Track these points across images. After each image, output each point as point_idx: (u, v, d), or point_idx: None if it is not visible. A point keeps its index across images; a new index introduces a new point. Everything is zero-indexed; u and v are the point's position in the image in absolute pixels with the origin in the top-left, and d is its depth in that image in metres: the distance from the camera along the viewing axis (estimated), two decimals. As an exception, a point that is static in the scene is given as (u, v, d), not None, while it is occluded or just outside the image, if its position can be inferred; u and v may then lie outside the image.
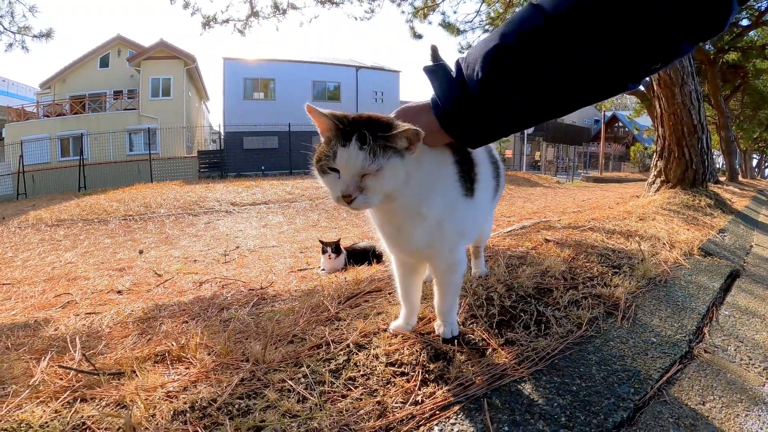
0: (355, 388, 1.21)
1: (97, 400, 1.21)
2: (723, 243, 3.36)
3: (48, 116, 26.64)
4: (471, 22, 11.95)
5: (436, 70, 1.19)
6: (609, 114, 35.65)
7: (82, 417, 1.13)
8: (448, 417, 1.08)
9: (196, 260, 6.08)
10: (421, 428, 1.05)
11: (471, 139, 1.21)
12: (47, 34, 8.31)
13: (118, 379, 1.35)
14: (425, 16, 11.86)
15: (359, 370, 1.30)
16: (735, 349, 1.62)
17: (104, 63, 28.07)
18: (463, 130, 1.17)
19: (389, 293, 1.90)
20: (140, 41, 28.66)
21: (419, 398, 1.15)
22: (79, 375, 1.39)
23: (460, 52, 12.24)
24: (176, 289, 3.77)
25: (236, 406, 1.15)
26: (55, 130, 25.65)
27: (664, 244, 2.80)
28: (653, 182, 5.64)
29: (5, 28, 7.69)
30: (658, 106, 5.38)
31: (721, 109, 12.82)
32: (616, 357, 1.39)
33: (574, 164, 29.39)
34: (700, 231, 3.49)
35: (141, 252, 7.25)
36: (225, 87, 26.73)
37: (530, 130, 26.33)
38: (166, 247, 7.85)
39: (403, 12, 11.90)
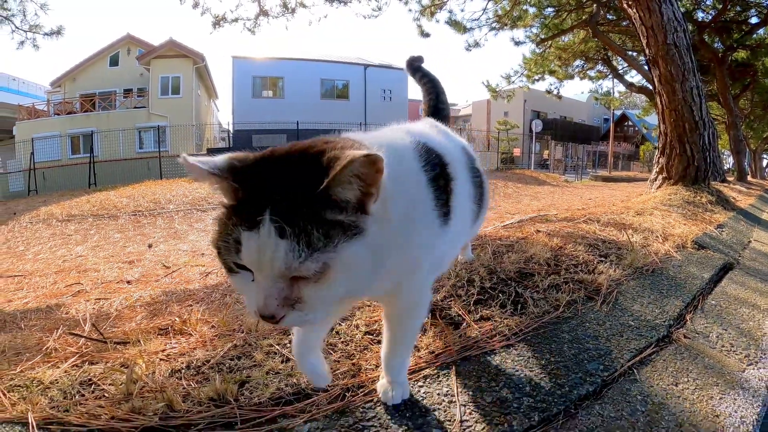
0: (335, 352, 1.31)
1: (103, 363, 1.33)
2: (719, 237, 3.37)
3: (58, 114, 26.89)
4: (478, 19, 12.00)
5: None
6: (618, 113, 35.41)
7: (89, 375, 1.25)
8: (417, 380, 1.16)
9: (203, 254, 6.16)
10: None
11: None
12: (57, 32, 8.46)
13: (124, 346, 1.46)
14: (432, 14, 11.92)
15: (340, 338, 1.40)
16: (717, 336, 1.65)
17: (114, 62, 28.28)
18: None
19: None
20: (150, 40, 28.93)
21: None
22: (88, 342, 1.51)
23: (467, 50, 12.28)
24: (183, 279, 3.84)
25: (227, 365, 1.27)
26: (65, 128, 25.91)
27: (657, 236, 2.83)
28: (655, 179, 5.65)
29: (17, 27, 7.82)
30: (659, 103, 5.39)
31: (730, 108, 12.71)
32: (589, 337, 1.44)
33: (583, 163, 29.24)
34: (697, 226, 3.50)
35: (150, 246, 7.35)
36: (234, 85, 26.92)
37: (538, 128, 26.21)
38: (174, 242, 7.94)
39: (410, 10, 11.99)
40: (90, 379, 1.24)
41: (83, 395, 1.18)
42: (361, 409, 1.05)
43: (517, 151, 29.77)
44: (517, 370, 1.21)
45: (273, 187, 0.70)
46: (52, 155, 24.37)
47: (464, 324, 1.43)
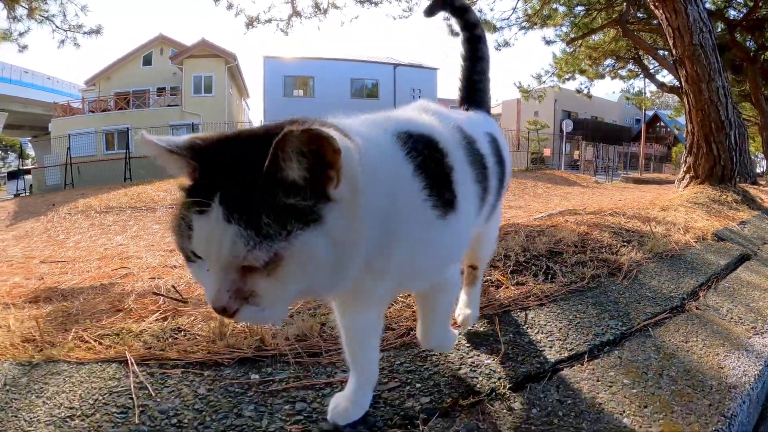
0: (396, 303, 1.58)
1: (187, 316, 1.55)
2: (740, 232, 3.52)
3: (93, 112, 27.93)
4: (507, 19, 12.12)
5: None
6: (650, 113, 34.91)
7: (177, 324, 1.48)
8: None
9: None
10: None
11: None
12: (97, 31, 8.95)
13: (204, 306, 1.65)
14: (462, 13, 12.03)
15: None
16: (727, 311, 1.84)
17: (147, 61, 29.21)
18: None
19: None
20: (182, 40, 29.79)
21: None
22: (167, 302, 1.69)
23: (497, 49, 12.41)
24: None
25: (306, 313, 1.53)
26: (100, 124, 26.84)
27: (679, 228, 3.03)
28: (682, 178, 5.79)
29: (57, 26, 8.30)
30: (686, 103, 5.53)
31: (763, 109, 12.59)
32: (611, 302, 1.68)
33: (614, 164, 29.04)
34: (719, 221, 3.66)
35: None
36: (265, 84, 27.45)
37: (569, 129, 26.13)
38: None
39: (441, 10, 12.09)
40: (179, 327, 1.44)
41: (176, 338, 1.38)
42: None
43: (547, 152, 29.61)
44: (549, 322, 1.46)
45: (229, 168, 0.64)
46: (88, 151, 25.16)
47: (503, 287, 1.69)
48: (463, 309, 1.44)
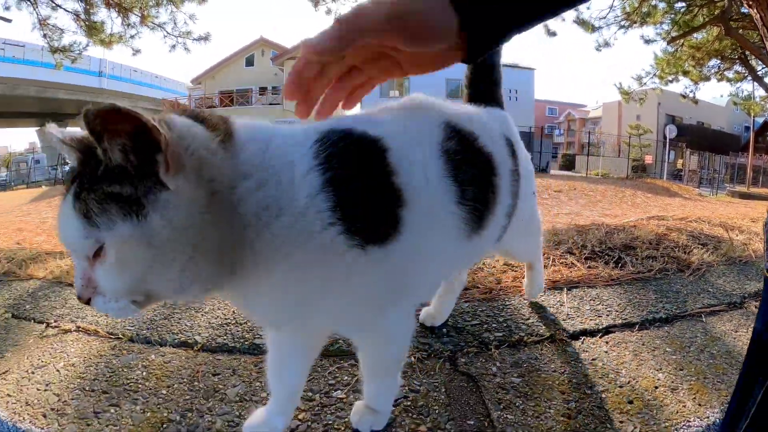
0: (482, 271, 1.92)
1: None
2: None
3: (199, 108, 31.06)
4: (605, 18, 11.76)
5: None
6: (760, 120, 32.18)
7: None
8: (543, 291, 1.73)
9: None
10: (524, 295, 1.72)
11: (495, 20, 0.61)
12: (205, 38, 9.95)
13: None
14: (559, 13, 11.81)
15: (485, 266, 2.00)
16: (792, 316, 2.01)
17: (249, 62, 31.77)
18: None
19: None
20: (282, 42, 32.03)
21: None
22: None
23: (597, 49, 12.08)
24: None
25: None
26: None
27: (761, 239, 3.10)
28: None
29: (168, 33, 9.36)
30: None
31: None
32: (671, 291, 1.90)
33: (720, 176, 27.26)
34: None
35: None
36: (362, 85, 28.28)
37: (672, 135, 24.75)
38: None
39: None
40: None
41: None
42: (503, 298, 1.65)
43: (648, 159, 28.25)
44: (610, 298, 1.74)
45: (91, 156, 0.61)
46: None
47: (576, 268, 1.97)
48: (527, 285, 1.61)
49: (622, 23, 11.50)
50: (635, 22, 11.47)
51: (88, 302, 0.64)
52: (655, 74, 13.62)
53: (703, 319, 1.70)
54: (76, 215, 0.59)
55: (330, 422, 1.10)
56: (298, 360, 0.99)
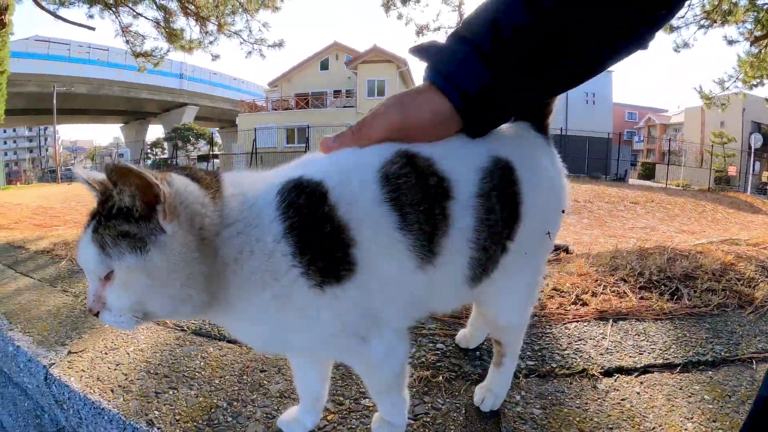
0: None
1: None
2: None
3: (276, 109, 32.95)
4: (683, 17, 10.92)
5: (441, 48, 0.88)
6: None
7: None
8: (582, 323, 1.75)
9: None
10: (567, 324, 1.74)
11: (493, 116, 0.89)
12: (279, 44, 10.48)
13: None
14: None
15: None
16: None
17: (324, 66, 33.38)
18: (504, 92, 0.83)
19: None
20: (355, 47, 32.91)
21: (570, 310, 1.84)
22: None
23: (675, 51, 11.24)
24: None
25: None
26: (280, 121, 31.16)
27: None
28: None
29: (244, 40, 9.93)
30: None
31: None
32: (726, 331, 1.84)
33: (811, 191, 24.88)
34: None
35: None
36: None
37: (758, 144, 22.78)
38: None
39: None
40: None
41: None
42: (543, 325, 1.70)
43: (732, 170, 26.19)
44: (657, 335, 1.72)
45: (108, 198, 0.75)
46: (269, 143, 29.76)
47: (627, 298, 1.96)
48: (480, 388, 1.30)
49: (702, 22, 10.62)
50: (715, 21, 10.54)
51: (96, 314, 0.77)
52: (738, 78, 12.45)
53: (754, 366, 1.63)
54: (93, 245, 0.73)
55: (354, 426, 1.23)
56: (315, 368, 1.12)
